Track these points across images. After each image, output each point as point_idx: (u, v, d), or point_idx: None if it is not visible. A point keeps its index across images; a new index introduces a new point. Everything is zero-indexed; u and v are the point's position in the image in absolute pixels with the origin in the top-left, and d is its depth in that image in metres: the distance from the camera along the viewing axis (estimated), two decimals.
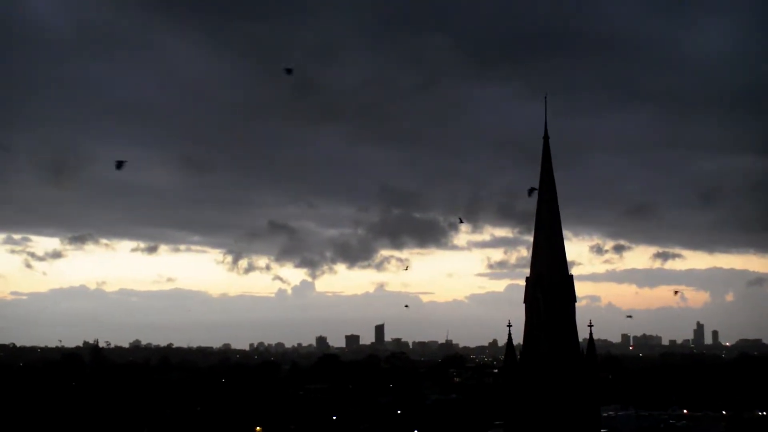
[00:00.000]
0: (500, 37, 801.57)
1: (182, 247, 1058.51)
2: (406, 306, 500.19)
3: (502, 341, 55.76)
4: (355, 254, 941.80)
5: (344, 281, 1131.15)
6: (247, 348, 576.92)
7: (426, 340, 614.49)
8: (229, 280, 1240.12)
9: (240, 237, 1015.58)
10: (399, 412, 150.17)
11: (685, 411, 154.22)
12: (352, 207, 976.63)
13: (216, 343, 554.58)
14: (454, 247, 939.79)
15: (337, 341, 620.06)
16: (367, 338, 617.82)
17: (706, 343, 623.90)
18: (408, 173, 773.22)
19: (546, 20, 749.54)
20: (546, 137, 57.94)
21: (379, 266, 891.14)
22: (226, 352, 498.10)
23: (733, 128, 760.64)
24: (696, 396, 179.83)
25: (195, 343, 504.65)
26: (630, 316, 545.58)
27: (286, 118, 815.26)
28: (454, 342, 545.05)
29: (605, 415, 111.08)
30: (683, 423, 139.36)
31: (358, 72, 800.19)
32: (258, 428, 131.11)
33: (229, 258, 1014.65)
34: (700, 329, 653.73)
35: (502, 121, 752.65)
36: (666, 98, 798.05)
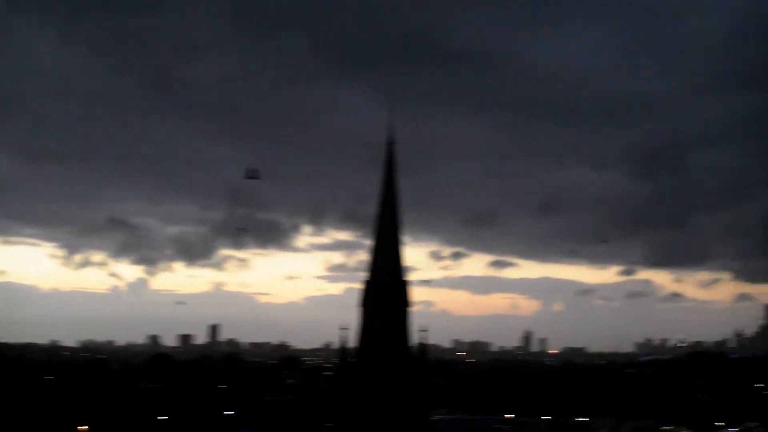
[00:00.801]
0: (354, 40, 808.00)
1: (14, 239, 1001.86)
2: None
3: (337, 344, 56.15)
4: (195, 253, 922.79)
5: (182, 280, 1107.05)
6: (76, 345, 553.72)
7: (261, 341, 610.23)
8: (62, 275, 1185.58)
9: (77, 231, 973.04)
10: (232, 412, 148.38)
11: (510, 416, 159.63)
12: (196, 205, 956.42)
13: (43, 340, 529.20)
14: (295, 249, 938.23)
15: (170, 340, 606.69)
16: (202, 338, 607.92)
17: (533, 350, 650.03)
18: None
19: (400, 27, 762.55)
20: (390, 143, 58.81)
21: (218, 265, 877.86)
22: (54, 348, 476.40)
23: (576, 141, 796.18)
24: (522, 402, 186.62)
25: (22, 339, 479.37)
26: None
27: (141, 113, 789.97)
28: (289, 344, 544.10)
29: (435, 419, 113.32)
30: (508, 428, 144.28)
31: (215, 70, 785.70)
32: (83, 427, 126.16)
33: (64, 252, 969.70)
34: (528, 336, 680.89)
35: (352, 124, 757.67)
36: (514, 109, 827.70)
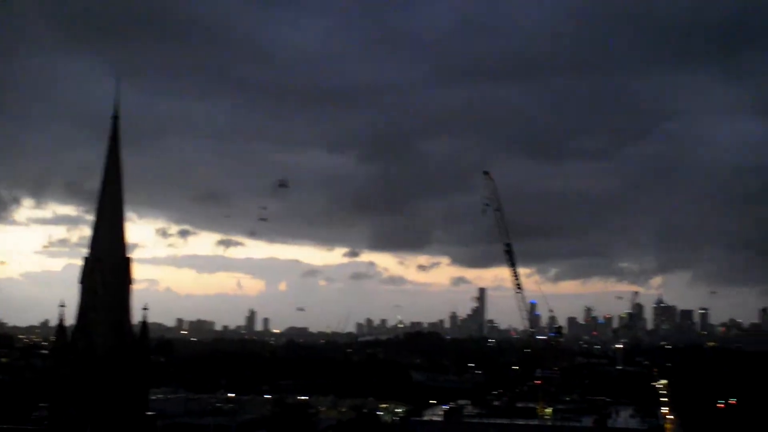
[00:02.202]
0: (83, 7, 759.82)
1: None
2: None
3: (55, 322, 54.53)
4: None
5: None
6: None
7: None
8: None
9: None
10: None
11: (232, 394, 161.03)
12: None
13: None
14: (14, 222, 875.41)
15: None
16: None
17: (258, 329, 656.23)
18: None
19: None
20: (115, 116, 57.95)
21: None
22: None
23: (311, 125, 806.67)
24: (244, 380, 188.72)
25: None
26: None
27: None
28: (2, 321, 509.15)
29: (155, 398, 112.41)
30: (230, 406, 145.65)
31: None
32: None
33: None
34: (252, 316, 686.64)
35: (80, 95, 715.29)
36: (251, 90, 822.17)
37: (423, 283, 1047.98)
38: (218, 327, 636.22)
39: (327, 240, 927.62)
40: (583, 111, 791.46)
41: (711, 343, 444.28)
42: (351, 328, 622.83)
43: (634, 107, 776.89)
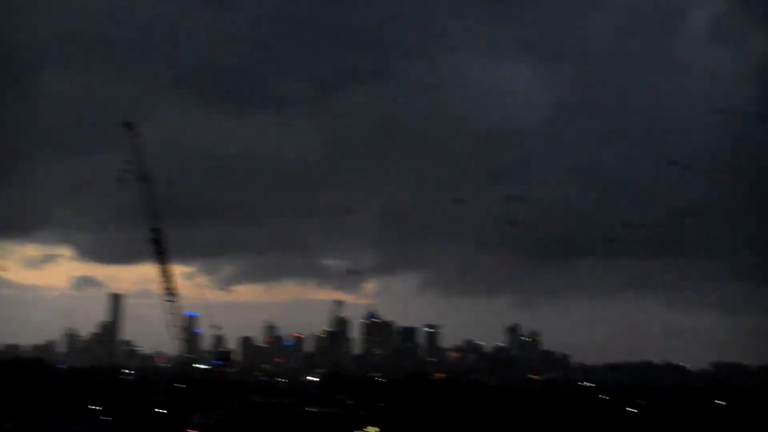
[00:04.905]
0: None
1: None
2: None
3: None
4: None
5: None
6: None
7: None
8: None
9: None
10: None
11: None
12: None
13: None
14: None
15: None
16: None
17: None
18: None
19: None
20: None
21: None
22: None
23: None
24: None
25: None
26: None
27: None
28: None
29: None
30: None
31: None
32: None
33: None
34: None
35: None
36: None
37: (29, 285, 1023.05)
38: None
39: None
40: (285, 39, 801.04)
41: (439, 375, 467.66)
42: None
43: (363, 41, 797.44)
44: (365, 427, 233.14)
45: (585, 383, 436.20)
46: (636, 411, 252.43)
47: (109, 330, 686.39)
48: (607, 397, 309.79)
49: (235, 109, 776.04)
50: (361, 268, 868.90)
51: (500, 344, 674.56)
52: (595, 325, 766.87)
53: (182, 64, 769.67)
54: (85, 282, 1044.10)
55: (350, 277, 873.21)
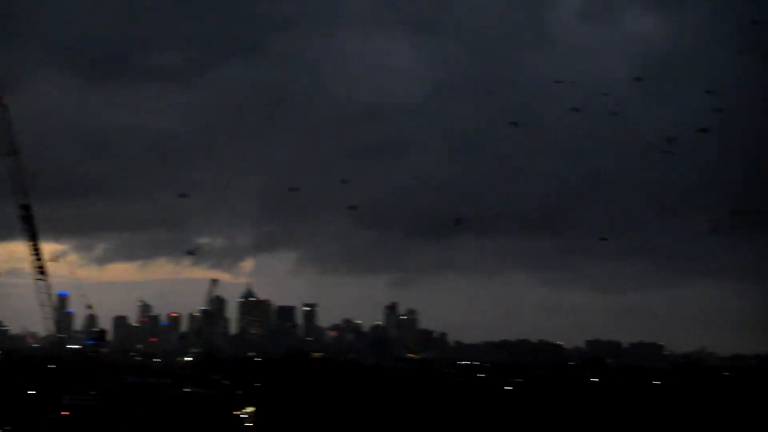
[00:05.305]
0: None
1: None
2: None
3: None
4: None
5: None
6: None
7: None
8: None
9: None
10: None
11: None
12: None
13: None
14: None
15: None
16: None
17: None
18: None
19: None
20: None
21: None
22: None
23: None
24: None
25: None
26: None
27: None
28: None
29: None
30: None
31: None
32: None
33: None
34: None
35: None
36: None
37: None
38: None
39: None
40: (161, 10, 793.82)
41: (317, 354, 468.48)
42: None
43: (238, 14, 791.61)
44: (242, 408, 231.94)
45: (463, 362, 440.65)
46: (512, 388, 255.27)
47: None
48: (485, 375, 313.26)
49: (110, 81, 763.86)
50: (239, 245, 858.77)
51: (378, 323, 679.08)
52: (473, 303, 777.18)
53: (54, 35, 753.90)
54: None
55: (227, 255, 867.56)
